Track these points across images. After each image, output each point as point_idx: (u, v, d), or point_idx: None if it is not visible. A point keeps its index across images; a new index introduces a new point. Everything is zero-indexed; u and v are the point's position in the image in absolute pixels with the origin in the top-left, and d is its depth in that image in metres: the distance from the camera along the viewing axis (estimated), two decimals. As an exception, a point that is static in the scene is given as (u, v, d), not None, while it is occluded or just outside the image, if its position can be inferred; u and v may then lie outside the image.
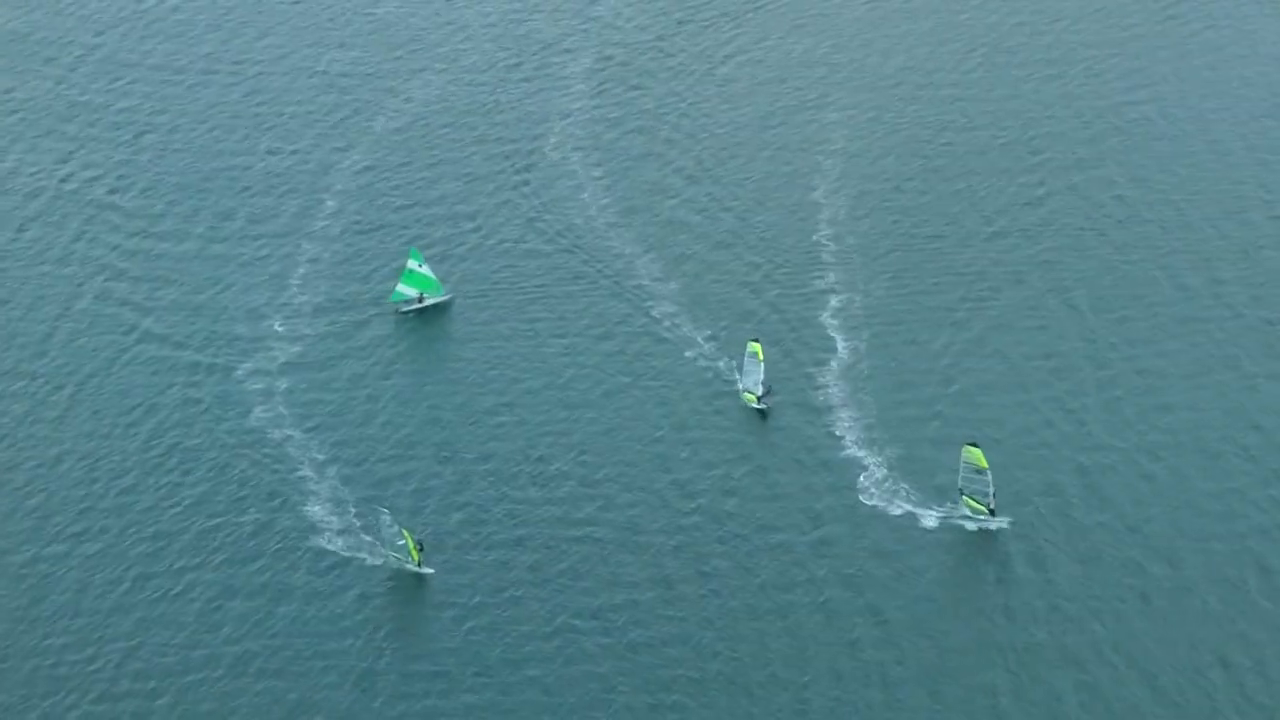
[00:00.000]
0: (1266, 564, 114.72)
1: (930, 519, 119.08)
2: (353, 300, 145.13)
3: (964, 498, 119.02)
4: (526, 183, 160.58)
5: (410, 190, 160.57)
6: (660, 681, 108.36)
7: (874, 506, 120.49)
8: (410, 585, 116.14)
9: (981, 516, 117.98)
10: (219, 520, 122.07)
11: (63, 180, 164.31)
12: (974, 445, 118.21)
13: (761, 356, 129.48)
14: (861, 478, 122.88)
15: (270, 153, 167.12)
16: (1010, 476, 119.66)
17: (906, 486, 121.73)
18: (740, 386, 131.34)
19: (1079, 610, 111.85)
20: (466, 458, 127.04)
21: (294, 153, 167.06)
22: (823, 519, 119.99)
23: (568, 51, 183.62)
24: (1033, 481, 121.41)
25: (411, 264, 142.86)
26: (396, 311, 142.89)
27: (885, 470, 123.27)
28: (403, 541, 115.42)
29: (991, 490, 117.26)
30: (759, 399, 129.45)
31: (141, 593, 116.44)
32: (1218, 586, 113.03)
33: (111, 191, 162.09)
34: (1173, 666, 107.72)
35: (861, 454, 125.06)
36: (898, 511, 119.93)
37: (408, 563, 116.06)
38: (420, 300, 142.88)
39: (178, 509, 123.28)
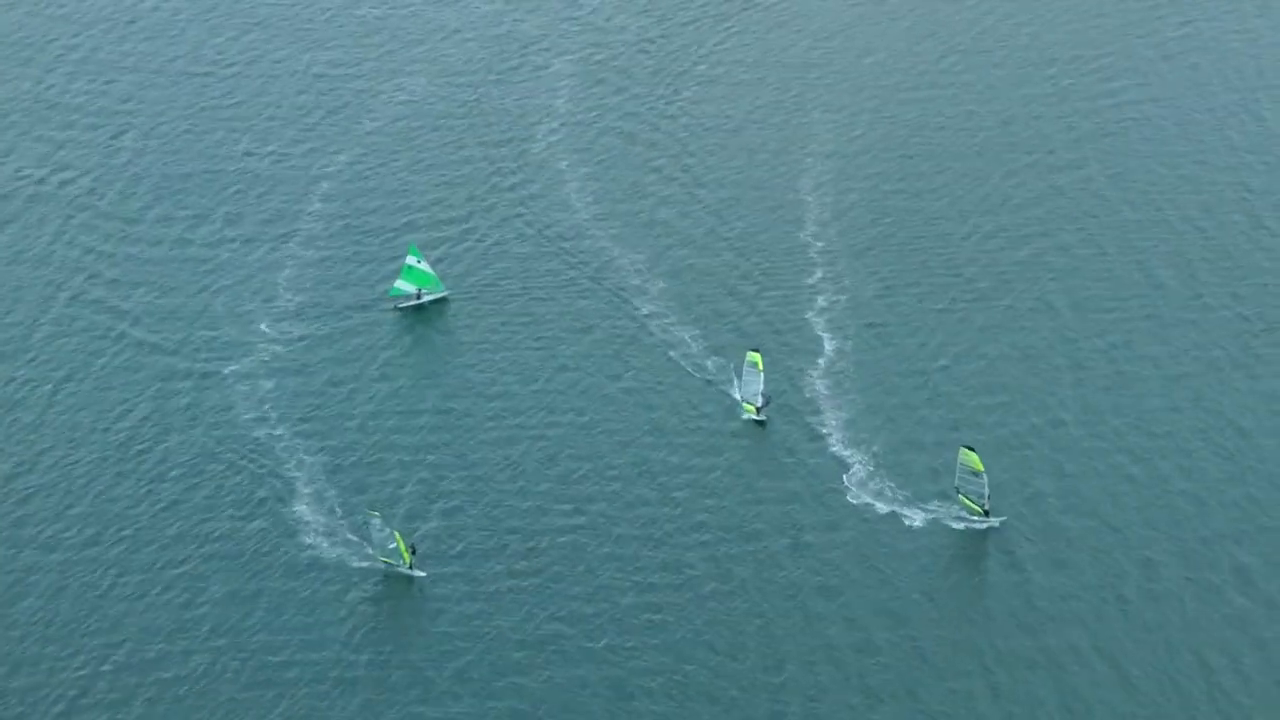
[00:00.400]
0: (1242, 564, 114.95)
1: (912, 519, 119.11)
2: (339, 301, 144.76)
3: (960, 496, 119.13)
4: (511, 186, 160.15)
5: (395, 191, 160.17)
6: (640, 686, 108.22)
7: (856, 507, 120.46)
8: (390, 589, 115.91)
9: (975, 517, 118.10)
10: (200, 522, 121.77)
11: (40, 181, 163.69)
12: (970, 449, 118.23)
13: (761, 367, 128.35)
14: (844, 478, 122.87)
15: (250, 154, 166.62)
16: (991, 478, 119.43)
17: (890, 486, 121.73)
18: (738, 397, 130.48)
19: (1058, 612, 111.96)
20: (449, 460, 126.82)
21: (277, 153, 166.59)
22: (803, 520, 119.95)
23: (552, 51, 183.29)
24: (1013, 483, 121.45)
25: (411, 260, 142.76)
26: (395, 308, 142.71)
27: (868, 470, 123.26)
28: (394, 545, 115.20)
29: (987, 492, 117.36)
30: (758, 410, 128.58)
31: (119, 596, 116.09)
32: (1195, 587, 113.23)
33: (90, 192, 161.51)
34: (1152, 667, 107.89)
35: (845, 453, 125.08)
36: (879, 513, 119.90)
37: (400, 565, 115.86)
38: (419, 296, 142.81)
39: (157, 511, 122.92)
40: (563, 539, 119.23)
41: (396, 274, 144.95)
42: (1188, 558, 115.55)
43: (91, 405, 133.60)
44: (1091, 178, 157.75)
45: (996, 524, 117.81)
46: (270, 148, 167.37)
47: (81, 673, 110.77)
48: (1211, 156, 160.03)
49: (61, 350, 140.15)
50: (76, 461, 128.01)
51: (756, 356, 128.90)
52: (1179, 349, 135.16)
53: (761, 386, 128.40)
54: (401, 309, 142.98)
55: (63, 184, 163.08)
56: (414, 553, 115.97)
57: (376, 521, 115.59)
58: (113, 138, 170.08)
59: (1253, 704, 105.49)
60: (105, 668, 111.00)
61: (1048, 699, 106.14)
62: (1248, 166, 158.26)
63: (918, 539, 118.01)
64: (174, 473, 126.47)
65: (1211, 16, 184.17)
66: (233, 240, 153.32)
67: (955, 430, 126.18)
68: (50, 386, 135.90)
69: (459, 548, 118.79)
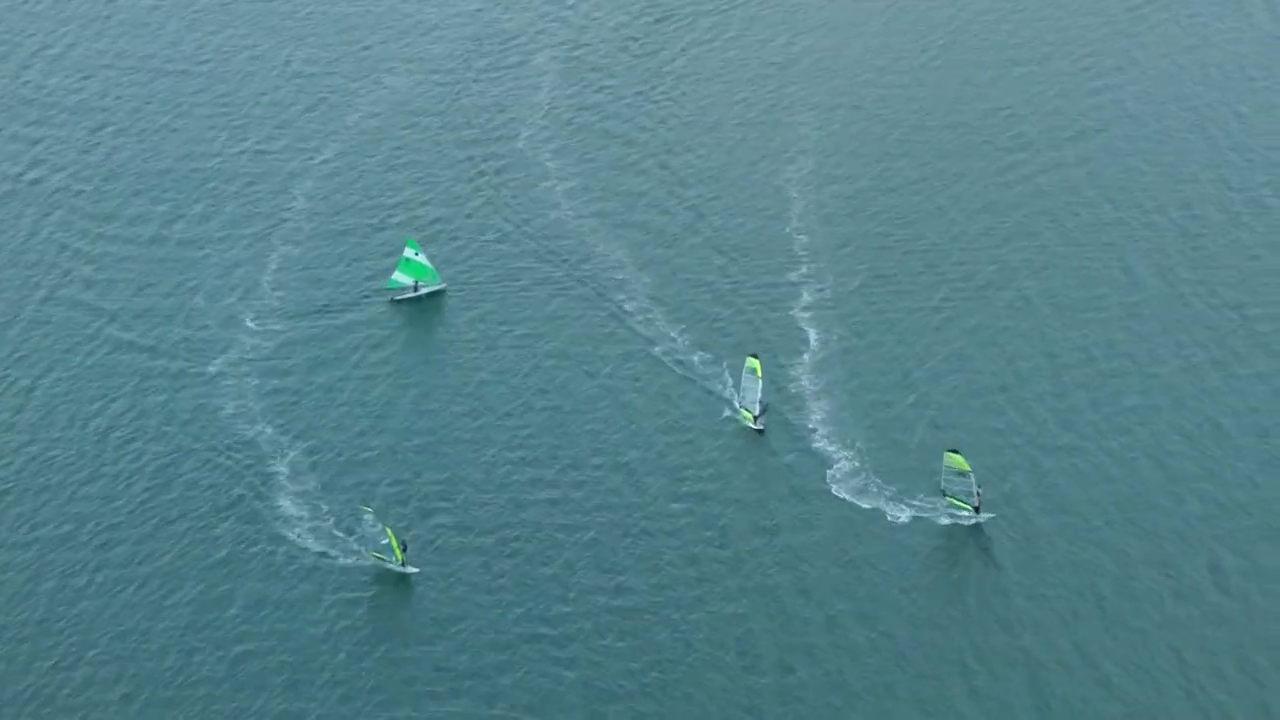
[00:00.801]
0: (1220, 562, 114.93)
1: (894, 516, 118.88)
2: (323, 297, 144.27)
3: (947, 498, 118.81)
4: (493, 185, 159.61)
5: (377, 187, 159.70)
6: (619, 686, 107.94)
7: (836, 505, 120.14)
8: (368, 586, 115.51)
9: (964, 513, 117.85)
10: (179, 519, 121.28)
11: (16, 177, 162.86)
12: (954, 451, 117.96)
13: (760, 374, 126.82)
14: (826, 475, 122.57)
15: (229, 150, 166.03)
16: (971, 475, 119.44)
17: (872, 483, 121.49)
18: (737, 404, 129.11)
19: (1036, 610, 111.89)
20: (429, 459, 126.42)
21: (256, 149, 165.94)
22: (784, 518, 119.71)
23: (533, 48, 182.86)
24: (992, 480, 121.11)
25: (408, 252, 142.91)
26: (391, 300, 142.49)
27: (849, 468, 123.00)
28: (386, 541, 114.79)
29: (976, 489, 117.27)
30: (755, 418, 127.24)
31: (104, 595, 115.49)
32: (1173, 585, 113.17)
33: (67, 188, 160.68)
34: (1130, 666, 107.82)
35: (827, 451, 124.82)
36: (860, 510, 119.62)
37: (391, 562, 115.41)
38: (415, 289, 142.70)
39: (141, 509, 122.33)
40: (541, 536, 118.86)
41: (380, 269, 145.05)
42: (1166, 556, 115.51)
43: (69, 403, 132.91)
44: (1072, 175, 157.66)
45: (983, 520, 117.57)
46: (250, 144, 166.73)
47: (57, 676, 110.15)
48: (1192, 154, 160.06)
49: (39, 347, 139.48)
50: (53, 459, 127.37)
51: (756, 363, 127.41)
52: (1158, 347, 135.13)
53: (760, 394, 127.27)
54: (397, 301, 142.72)
55: (39, 180, 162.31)
56: (405, 549, 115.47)
57: (369, 517, 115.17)
58: (91, 133, 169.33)
59: (1230, 701, 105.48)
60: (80, 663, 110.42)
61: (1025, 697, 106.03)
62: (1228, 164, 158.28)
63: (898, 537, 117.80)
64: (151, 468, 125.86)
65: (1192, 13, 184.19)
66: (213, 236, 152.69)
67: (936, 428, 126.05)
68: (28, 383, 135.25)
69: (437, 543, 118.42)
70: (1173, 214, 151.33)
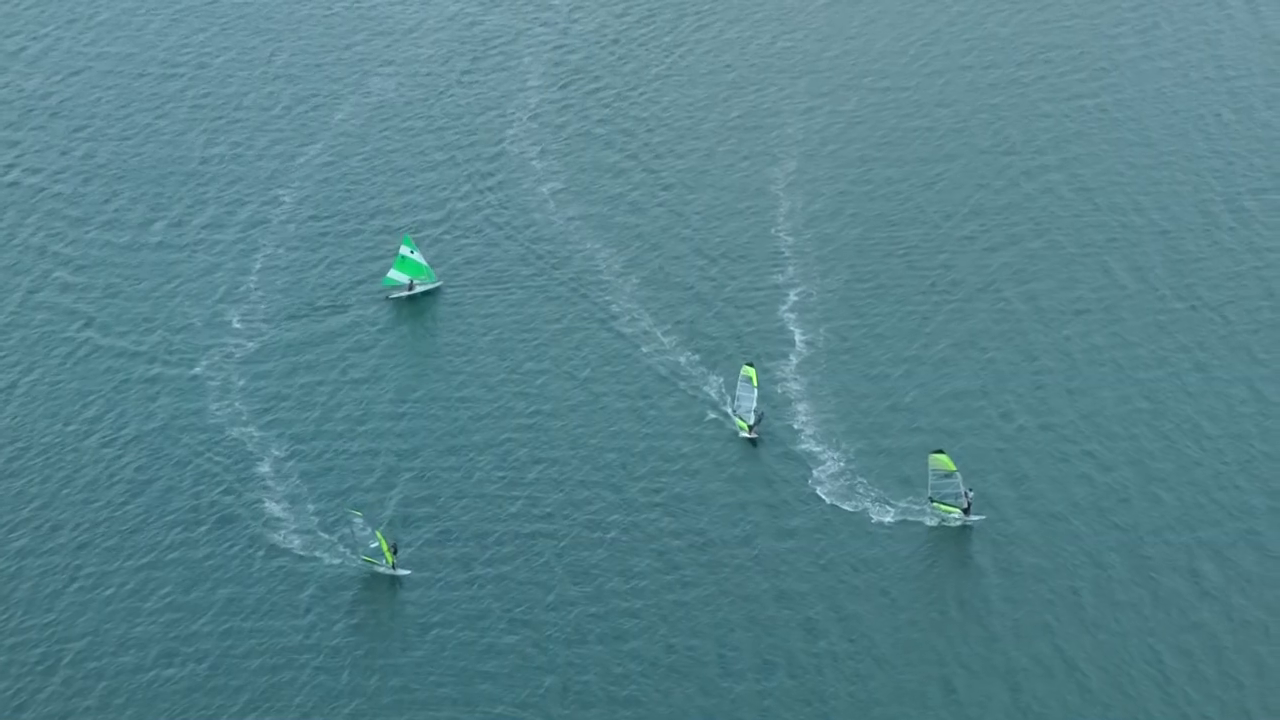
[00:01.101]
0: (1200, 568, 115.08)
1: (879, 519, 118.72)
2: (308, 298, 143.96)
3: (934, 504, 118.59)
4: (480, 189, 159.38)
5: (363, 187, 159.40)
6: (601, 691, 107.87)
7: (818, 510, 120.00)
8: (355, 591, 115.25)
9: (953, 515, 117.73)
10: (161, 519, 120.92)
11: (1, 174, 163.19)
12: (939, 452, 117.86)
13: (756, 382, 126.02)
14: (809, 481, 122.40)
15: (214, 150, 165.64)
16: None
17: (856, 489, 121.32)
18: (731, 412, 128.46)
19: (1015, 614, 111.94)
20: (410, 463, 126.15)
21: (241, 150, 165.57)
22: (765, 523, 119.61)
23: (519, 47, 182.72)
24: (974, 484, 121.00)
25: (404, 250, 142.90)
26: (387, 297, 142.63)
27: (832, 473, 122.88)
28: (376, 544, 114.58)
29: (964, 489, 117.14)
30: (750, 428, 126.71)
31: (83, 598, 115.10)
32: (1153, 591, 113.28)
33: (49, 191, 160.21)
34: (1111, 669, 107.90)
35: (810, 455, 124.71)
36: (841, 516, 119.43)
37: (381, 565, 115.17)
38: (411, 287, 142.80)
39: (121, 511, 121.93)
40: (522, 540, 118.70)
41: (365, 270, 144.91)
42: (1146, 559, 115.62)
43: (49, 404, 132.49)
44: (1053, 178, 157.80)
45: (973, 521, 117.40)
46: (232, 144, 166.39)
47: (32, 676, 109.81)
48: (1172, 157, 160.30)
49: (18, 349, 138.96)
50: (32, 461, 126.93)
51: (751, 371, 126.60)
52: (1138, 349, 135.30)
53: (755, 403, 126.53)
54: (389, 300, 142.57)
55: (18, 182, 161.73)
56: (396, 552, 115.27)
57: (359, 520, 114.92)
58: (71, 134, 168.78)
59: (1209, 704, 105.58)
60: (57, 669, 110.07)
61: (1004, 698, 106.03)
62: (1210, 169, 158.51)
63: (881, 540, 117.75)
64: (131, 470, 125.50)
65: (1174, 18, 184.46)
66: (196, 238, 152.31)
67: (919, 430, 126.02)
68: (6, 385, 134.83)
69: (416, 546, 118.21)
70: (1153, 216, 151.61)
